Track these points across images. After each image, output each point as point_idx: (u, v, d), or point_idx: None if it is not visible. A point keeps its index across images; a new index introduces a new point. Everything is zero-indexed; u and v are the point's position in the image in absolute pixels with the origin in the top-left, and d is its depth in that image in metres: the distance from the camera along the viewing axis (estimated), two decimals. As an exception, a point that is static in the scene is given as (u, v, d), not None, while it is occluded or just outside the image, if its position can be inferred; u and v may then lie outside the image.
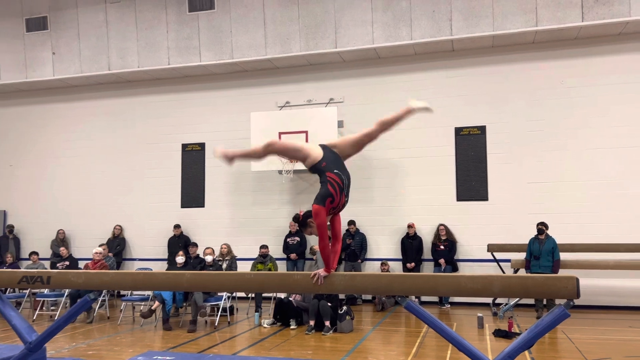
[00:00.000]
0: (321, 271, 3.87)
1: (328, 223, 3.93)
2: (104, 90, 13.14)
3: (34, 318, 9.46)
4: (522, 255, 9.43)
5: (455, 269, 10.50)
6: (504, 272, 9.49)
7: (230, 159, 4.49)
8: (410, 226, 10.80)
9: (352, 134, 4.25)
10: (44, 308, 10.14)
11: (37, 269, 10.10)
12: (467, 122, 11.00)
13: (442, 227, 10.65)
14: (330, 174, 3.89)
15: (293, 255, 11.12)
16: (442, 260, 10.45)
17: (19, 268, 10.93)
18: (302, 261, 11.26)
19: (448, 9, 10.42)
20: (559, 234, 9.32)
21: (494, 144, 10.84)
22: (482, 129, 10.92)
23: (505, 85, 10.89)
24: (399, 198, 11.20)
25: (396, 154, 11.18)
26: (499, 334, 7.56)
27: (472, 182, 10.88)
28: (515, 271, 9.37)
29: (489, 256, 9.94)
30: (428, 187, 11.04)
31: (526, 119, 10.71)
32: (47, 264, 11.78)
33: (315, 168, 4.03)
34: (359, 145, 4.18)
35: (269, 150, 4.31)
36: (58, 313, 9.64)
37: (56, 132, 13.42)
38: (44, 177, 13.35)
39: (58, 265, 10.72)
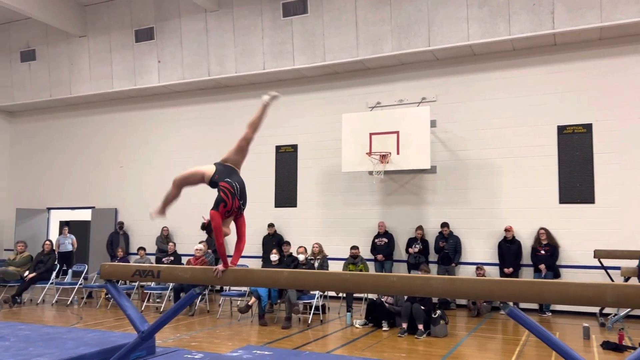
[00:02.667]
0: (220, 267, 4.40)
1: (228, 226, 4.49)
2: (204, 95, 13.85)
3: (142, 309, 10.15)
4: (633, 263, 8.72)
5: (557, 275, 9.95)
6: (612, 280, 8.85)
7: (162, 212, 4.92)
8: (507, 229, 10.36)
9: (234, 143, 4.71)
10: (150, 300, 10.86)
11: (144, 263, 10.84)
12: (571, 120, 10.37)
13: (542, 231, 10.12)
14: (222, 182, 4.42)
15: (380, 256, 11.08)
16: (542, 266, 9.94)
17: (129, 262, 11.76)
18: (390, 262, 11.19)
19: (550, 1, 9.88)
20: (677, 241, 8.55)
21: (601, 143, 10.14)
22: (588, 127, 10.25)
23: (614, 80, 10.14)
24: (496, 200, 10.78)
25: (493, 153, 10.77)
26: (607, 346, 7.06)
27: (576, 183, 10.24)
28: (626, 280, 8.69)
29: (594, 262, 9.32)
30: (527, 188, 10.54)
31: (638, 116, 9.91)
32: (152, 258, 12.61)
33: (212, 182, 4.52)
34: (241, 149, 4.70)
35: (176, 185, 4.76)
36: (163, 305, 10.29)
37: (161, 135, 14.34)
38: (150, 177, 14.27)
39: (163, 260, 11.43)
